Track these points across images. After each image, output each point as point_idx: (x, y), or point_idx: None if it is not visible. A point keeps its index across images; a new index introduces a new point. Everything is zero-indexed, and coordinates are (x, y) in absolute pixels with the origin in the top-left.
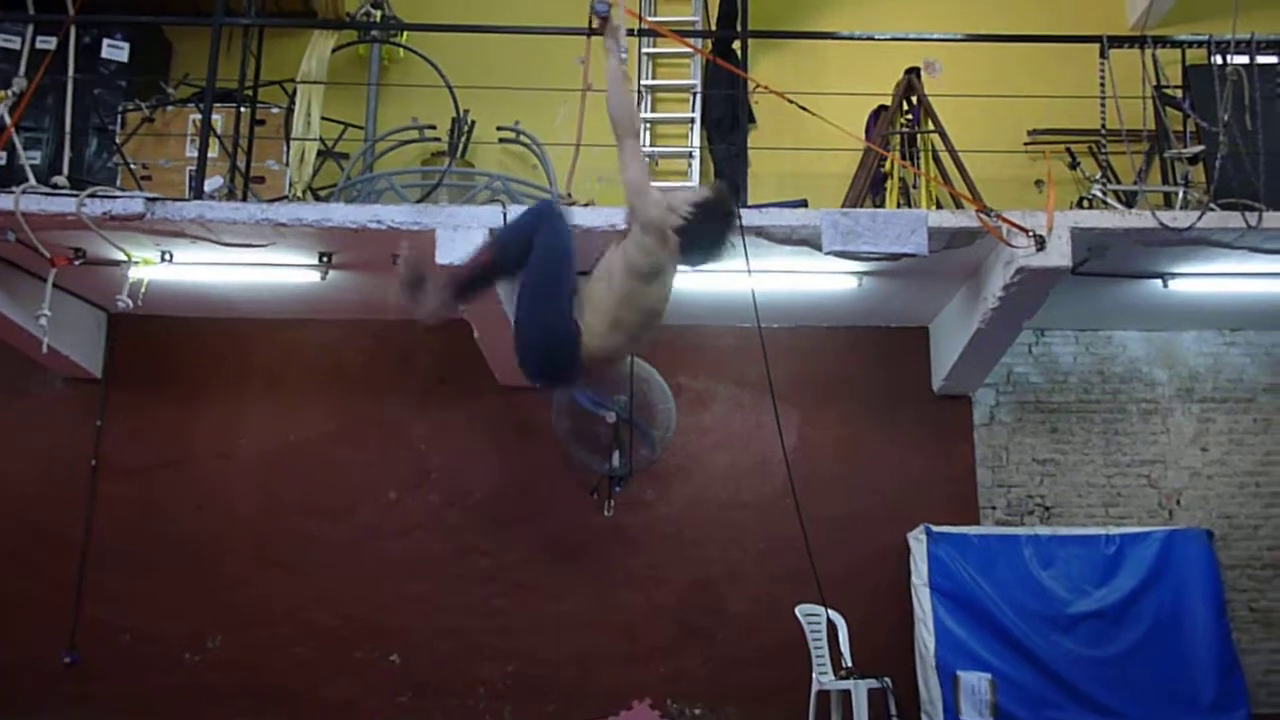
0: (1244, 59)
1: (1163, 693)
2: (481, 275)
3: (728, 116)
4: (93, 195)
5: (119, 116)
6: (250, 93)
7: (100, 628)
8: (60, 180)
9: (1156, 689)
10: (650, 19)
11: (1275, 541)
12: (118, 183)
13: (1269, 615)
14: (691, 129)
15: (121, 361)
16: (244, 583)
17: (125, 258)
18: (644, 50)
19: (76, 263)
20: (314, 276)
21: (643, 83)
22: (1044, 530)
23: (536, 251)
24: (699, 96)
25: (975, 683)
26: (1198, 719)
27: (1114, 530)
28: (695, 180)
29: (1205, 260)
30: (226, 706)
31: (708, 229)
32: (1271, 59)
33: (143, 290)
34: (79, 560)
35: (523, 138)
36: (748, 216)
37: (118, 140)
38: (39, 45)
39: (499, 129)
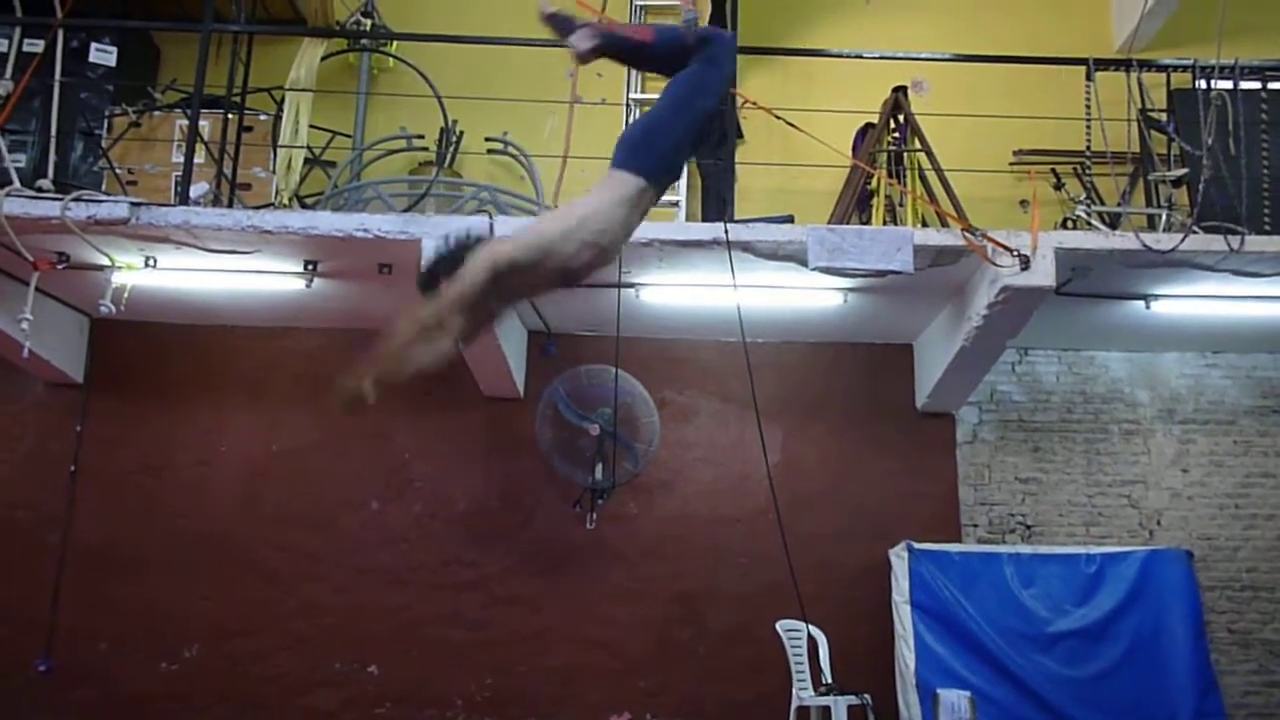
0: (1228, 84)
1: (1141, 713)
2: (630, 50)
3: (716, 131)
4: (77, 199)
5: (105, 121)
6: (238, 99)
7: (76, 635)
8: (45, 184)
9: (1135, 709)
10: None
11: (1254, 563)
12: (103, 187)
13: (1247, 636)
14: None
15: (103, 367)
16: (223, 592)
17: (109, 263)
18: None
19: (60, 267)
20: (299, 284)
21: (631, 96)
22: (1025, 549)
23: (700, 72)
24: None
25: (955, 701)
26: None
27: (1095, 550)
28: (683, 195)
29: (1188, 282)
30: (203, 716)
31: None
32: (1255, 85)
33: (126, 296)
34: (56, 567)
35: (511, 149)
36: (735, 231)
37: (104, 145)
38: (26, 48)
39: (487, 140)
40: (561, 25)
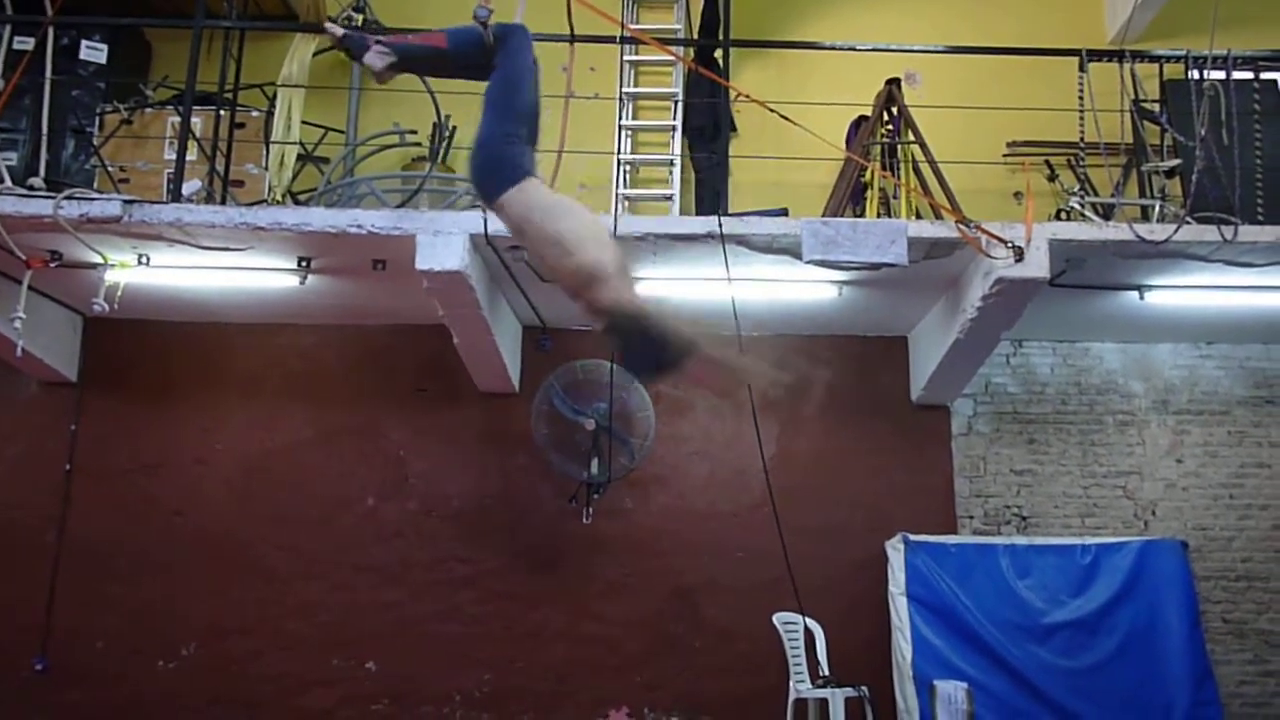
0: (1221, 74)
1: (1137, 703)
2: (428, 58)
3: (709, 125)
4: (69, 197)
5: (97, 118)
6: (230, 96)
7: (72, 635)
8: (37, 182)
9: (1131, 699)
10: (632, 26)
11: (1249, 553)
12: (95, 185)
13: (1242, 626)
14: (673, 137)
15: (97, 365)
16: (219, 590)
17: (102, 260)
18: (626, 58)
19: (52, 265)
20: (293, 281)
21: (624, 90)
22: (1021, 540)
23: (505, 67)
24: (680, 104)
25: (952, 692)
26: None
27: (1090, 540)
28: (677, 188)
29: (1181, 273)
30: (200, 715)
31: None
32: (1248, 75)
33: (119, 293)
34: (52, 565)
35: None
36: (729, 224)
37: (95, 142)
38: (17, 46)
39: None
40: (354, 45)
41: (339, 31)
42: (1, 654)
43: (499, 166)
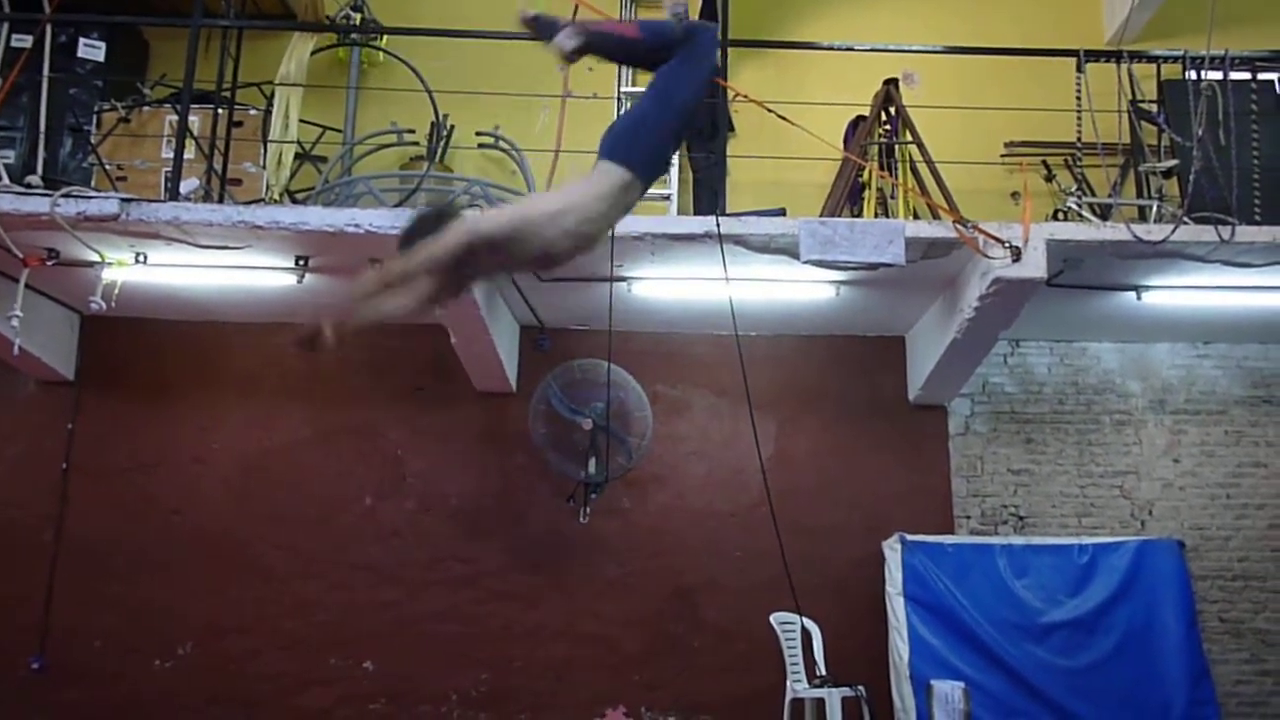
0: (1218, 75)
1: (1134, 702)
2: (616, 46)
3: (707, 124)
4: (67, 195)
5: (94, 116)
6: (228, 94)
7: (69, 633)
8: (34, 180)
9: (1128, 699)
10: None
11: (1246, 552)
12: (92, 183)
13: (1239, 626)
14: None
15: (94, 364)
16: (216, 589)
17: (99, 259)
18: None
19: (49, 264)
20: (290, 280)
21: (622, 89)
22: (1018, 540)
23: (685, 64)
24: None
25: (949, 692)
26: None
27: (1087, 540)
28: (675, 188)
29: (1179, 273)
30: (198, 714)
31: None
32: (1245, 75)
33: (116, 292)
34: (49, 564)
35: (502, 143)
36: (727, 224)
37: (93, 140)
38: (14, 43)
39: (478, 134)
40: (544, 28)
41: (530, 12)
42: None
43: (644, 147)
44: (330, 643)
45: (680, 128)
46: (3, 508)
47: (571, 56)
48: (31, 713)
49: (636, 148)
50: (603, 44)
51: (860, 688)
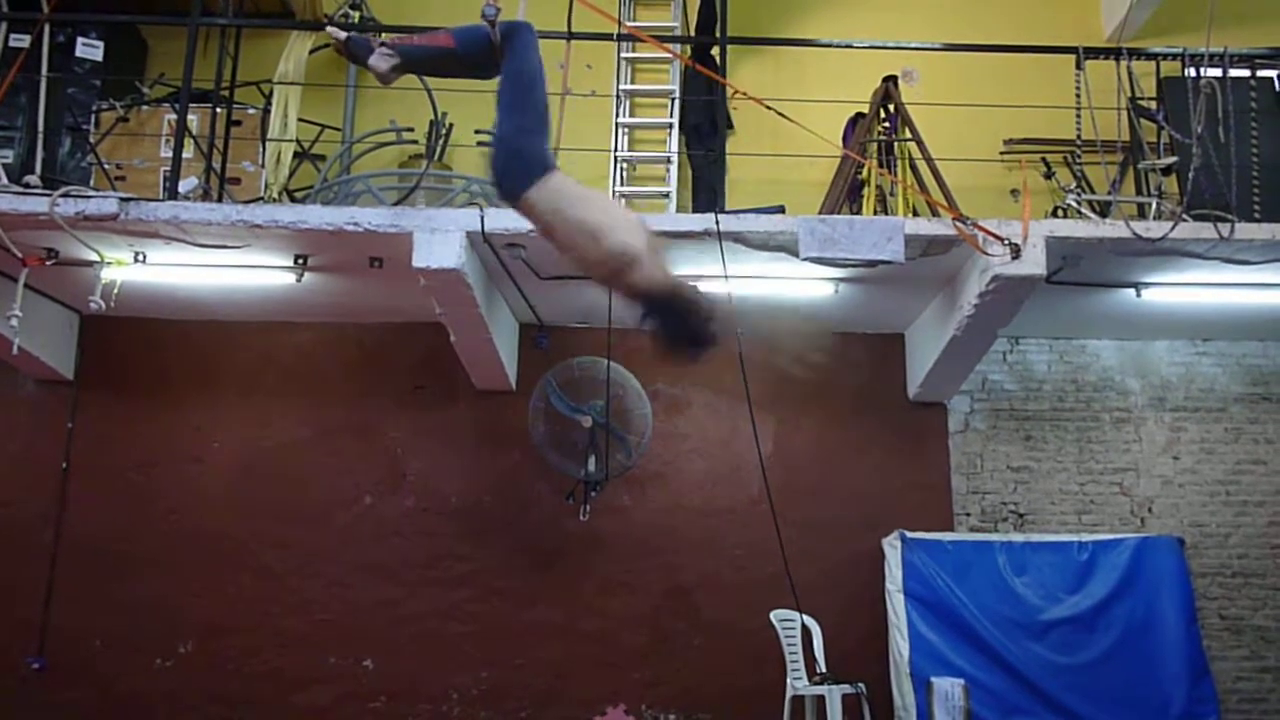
0: (1217, 72)
1: (1134, 700)
2: (435, 58)
3: (706, 122)
4: (66, 195)
5: (93, 116)
6: (226, 93)
7: (69, 633)
8: (33, 180)
9: (1128, 696)
10: (629, 24)
11: (1245, 549)
12: (91, 183)
13: (1239, 623)
14: (670, 134)
15: (93, 364)
16: (216, 588)
17: (98, 259)
18: (623, 55)
19: (48, 263)
20: (289, 279)
21: (621, 87)
22: (1018, 537)
23: (515, 64)
24: (677, 102)
25: (949, 689)
26: None
27: (1086, 538)
28: (674, 186)
29: (1178, 270)
30: (198, 713)
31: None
32: (1244, 72)
33: (115, 292)
34: (49, 564)
35: None
36: (726, 222)
37: (92, 140)
38: (12, 43)
39: (477, 132)
40: (358, 49)
41: (341, 35)
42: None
43: (523, 161)
44: (330, 641)
45: (539, 111)
46: (3, 507)
47: (388, 76)
48: (32, 712)
49: (529, 157)
50: (421, 59)
51: (860, 685)
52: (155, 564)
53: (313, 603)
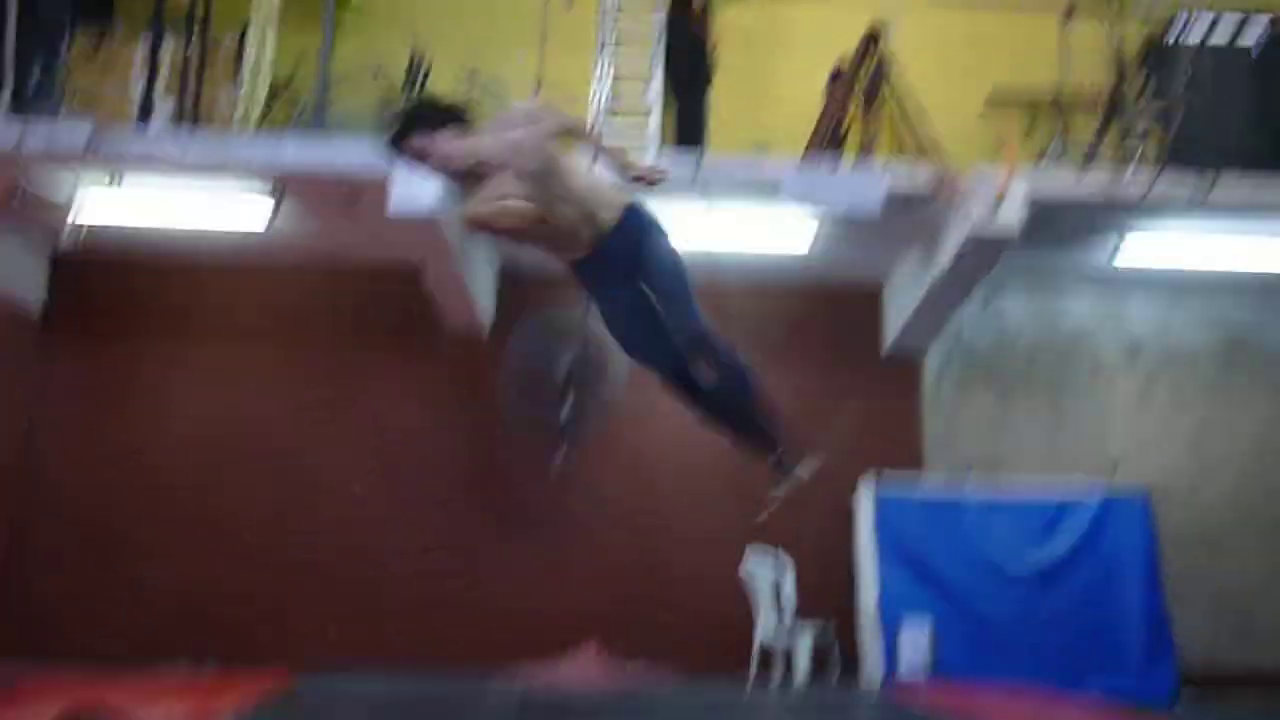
0: (1201, 32)
1: (1094, 650)
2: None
3: (689, 69)
4: (36, 126)
5: (65, 46)
6: (201, 23)
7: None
8: (2, 110)
9: (1088, 646)
10: None
11: (1212, 504)
12: (62, 113)
13: (1201, 577)
14: (652, 78)
15: (64, 304)
16: (189, 538)
17: (69, 192)
18: (606, 1)
19: (19, 196)
20: (263, 218)
21: (605, 30)
22: (988, 489)
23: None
24: (661, 46)
25: (915, 633)
26: (1127, 677)
27: (1055, 491)
28: (656, 128)
29: (1156, 226)
30: (173, 643)
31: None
32: (1228, 32)
33: (85, 230)
34: (18, 505)
35: (482, 81)
36: (707, 166)
37: (63, 71)
38: None
39: (458, 71)
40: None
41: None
42: None
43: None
44: (305, 587)
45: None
46: None
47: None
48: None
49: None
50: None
51: (828, 627)
52: (126, 508)
53: (287, 548)
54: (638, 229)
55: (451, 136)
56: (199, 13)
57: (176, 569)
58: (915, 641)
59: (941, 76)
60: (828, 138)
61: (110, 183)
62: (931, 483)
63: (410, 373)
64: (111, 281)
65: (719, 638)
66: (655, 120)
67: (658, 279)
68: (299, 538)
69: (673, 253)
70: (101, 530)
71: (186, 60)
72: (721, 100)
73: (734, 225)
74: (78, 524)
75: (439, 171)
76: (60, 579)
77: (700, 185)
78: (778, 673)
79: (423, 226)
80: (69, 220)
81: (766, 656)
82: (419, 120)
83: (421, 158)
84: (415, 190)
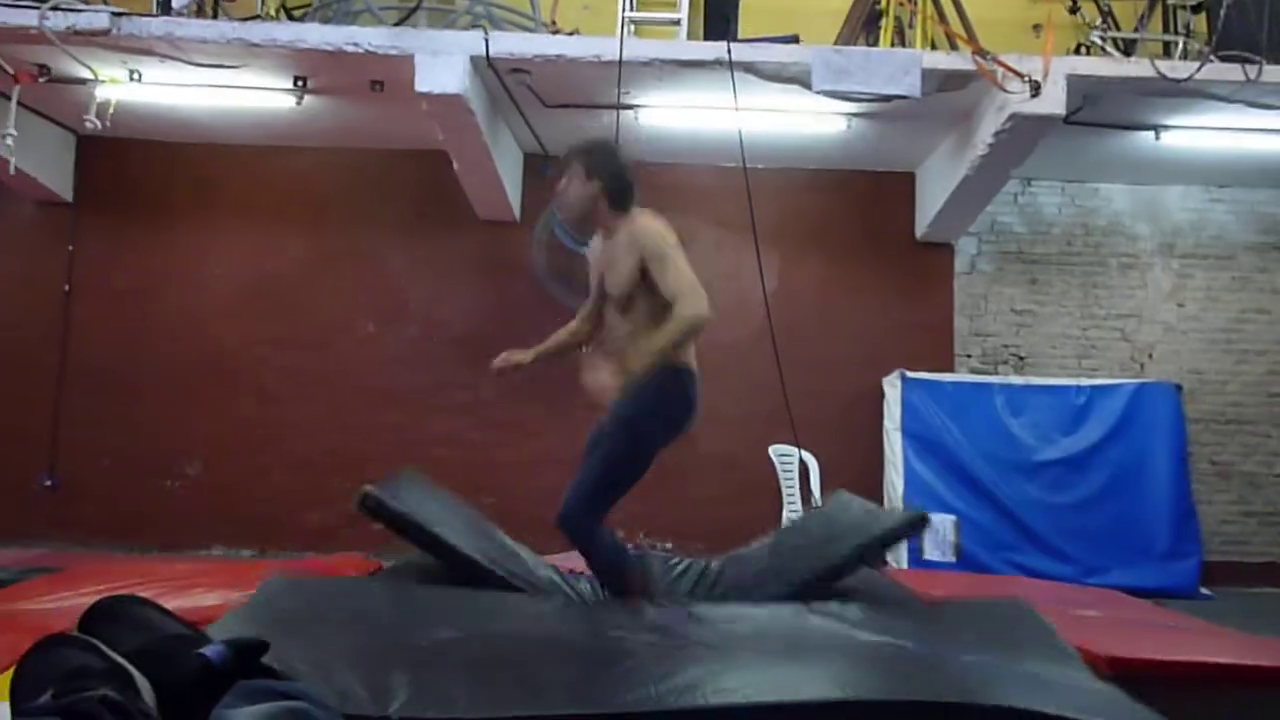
0: None
1: (1120, 539)
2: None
3: None
4: (55, 8)
5: None
6: None
7: (79, 452)
8: None
9: (1114, 535)
10: None
11: (1241, 397)
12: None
13: (1229, 468)
14: None
15: (92, 185)
16: (221, 411)
17: (92, 76)
18: None
19: (41, 80)
20: (289, 101)
21: None
22: (1017, 379)
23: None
24: None
25: (940, 523)
26: (1152, 565)
27: (1085, 382)
28: (685, 12)
29: (1200, 113)
30: (206, 532)
31: None
32: None
33: (110, 111)
34: (55, 385)
35: None
36: (738, 51)
37: None
38: None
39: None
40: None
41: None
42: (12, 470)
43: None
44: (334, 465)
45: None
46: (6, 329)
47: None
48: (45, 528)
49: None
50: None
51: None
52: (160, 385)
53: (316, 427)
54: (643, 389)
55: (600, 200)
56: None
57: (209, 435)
58: (940, 532)
59: None
60: (861, 24)
61: (132, 77)
62: (960, 373)
63: (441, 256)
64: (137, 162)
65: (745, 515)
66: (684, 7)
67: (603, 436)
68: (329, 413)
69: (630, 438)
70: (136, 397)
71: None
72: None
73: (764, 108)
74: (114, 391)
75: (560, 206)
76: (100, 443)
77: (730, 67)
78: None
79: (450, 109)
80: (93, 103)
81: None
82: (611, 178)
83: (564, 193)
84: (441, 72)
